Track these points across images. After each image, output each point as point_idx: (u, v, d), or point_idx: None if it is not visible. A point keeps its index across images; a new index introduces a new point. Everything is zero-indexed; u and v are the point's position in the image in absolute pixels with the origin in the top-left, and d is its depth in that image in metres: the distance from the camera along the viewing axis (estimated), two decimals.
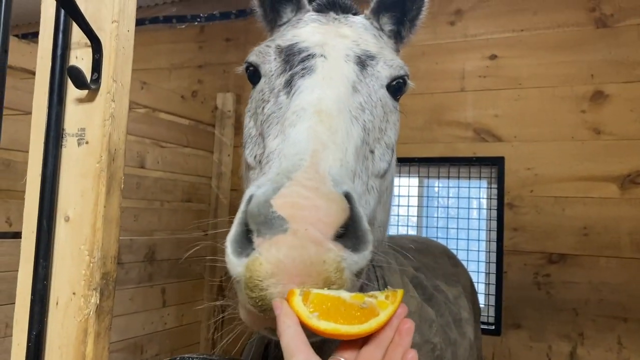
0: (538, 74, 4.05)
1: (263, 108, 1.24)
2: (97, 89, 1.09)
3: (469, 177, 4.23)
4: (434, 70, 4.31)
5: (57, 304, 1.05)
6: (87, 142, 1.08)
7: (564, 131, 3.94)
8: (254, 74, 1.36)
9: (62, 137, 1.09)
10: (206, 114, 4.82)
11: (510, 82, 4.13)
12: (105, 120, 1.07)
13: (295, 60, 1.26)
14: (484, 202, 4.20)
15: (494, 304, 4.04)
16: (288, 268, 0.82)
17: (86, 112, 1.10)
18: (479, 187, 4.24)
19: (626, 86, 3.80)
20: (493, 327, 4.00)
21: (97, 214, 1.05)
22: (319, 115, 1.05)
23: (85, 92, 1.10)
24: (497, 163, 4.10)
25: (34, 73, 3.23)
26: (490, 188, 4.18)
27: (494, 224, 4.09)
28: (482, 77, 4.22)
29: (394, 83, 1.38)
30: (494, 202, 4.11)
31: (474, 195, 4.24)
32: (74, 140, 1.08)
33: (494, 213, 4.09)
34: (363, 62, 1.32)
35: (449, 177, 4.28)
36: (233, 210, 4.35)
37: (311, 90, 1.13)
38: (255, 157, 1.22)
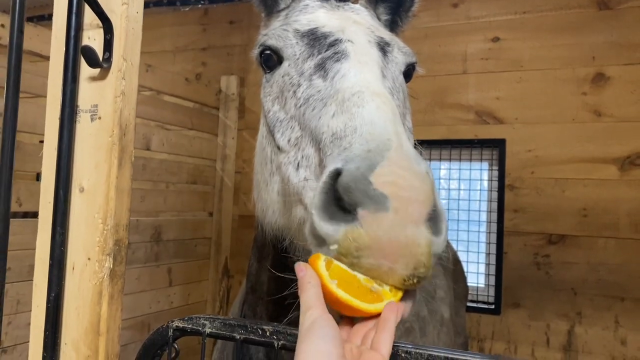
0: (540, 56, 4.08)
1: (295, 92, 1.26)
2: (109, 68, 1.16)
3: (471, 159, 4.28)
4: (436, 53, 4.34)
5: (73, 268, 1.13)
6: (99, 118, 1.14)
7: (565, 113, 3.98)
8: (270, 58, 1.38)
9: (76, 113, 1.16)
10: (210, 97, 4.87)
11: (512, 65, 4.16)
12: (117, 97, 1.14)
13: (322, 45, 1.28)
14: (485, 183, 4.26)
15: (494, 284, 4.12)
16: (385, 245, 0.86)
17: (98, 90, 1.16)
18: (480, 169, 4.29)
19: (627, 68, 3.83)
20: (493, 307, 4.08)
21: (109, 185, 1.12)
22: (379, 97, 1.08)
23: (98, 70, 1.17)
24: (498, 145, 4.15)
25: (41, 56, 3.29)
26: (492, 170, 4.23)
27: (495, 206, 4.15)
28: (484, 60, 4.25)
29: (407, 69, 1.44)
30: (495, 184, 4.17)
31: (475, 177, 4.29)
32: (87, 116, 1.15)
33: (495, 194, 4.15)
34: (383, 48, 1.36)
35: (450, 159, 4.34)
36: (238, 193, 4.41)
37: (354, 73, 1.17)
38: (289, 140, 1.24)
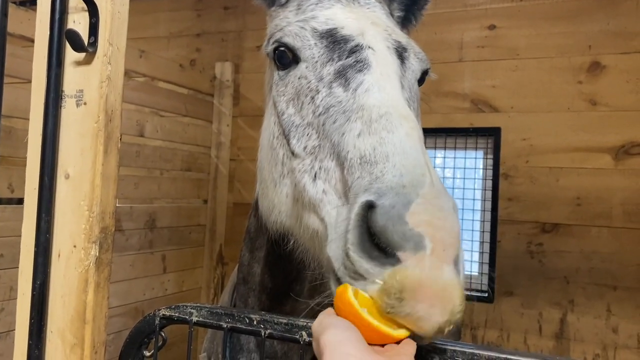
0: (536, 45, 4.06)
1: (313, 98, 1.25)
2: (94, 52, 1.14)
3: (465, 148, 4.28)
4: (432, 41, 4.31)
5: (59, 256, 1.12)
6: (85, 103, 1.13)
7: (560, 102, 3.96)
8: (284, 56, 1.36)
9: (62, 98, 1.14)
10: (205, 84, 4.84)
11: (508, 53, 4.14)
12: (102, 82, 1.12)
13: (343, 50, 1.26)
14: (480, 172, 4.26)
15: (487, 272, 4.13)
16: (427, 288, 0.86)
17: (84, 75, 1.14)
18: (475, 158, 4.28)
19: (623, 57, 3.82)
20: (486, 295, 4.09)
21: (95, 172, 1.11)
22: (407, 122, 1.08)
23: (83, 55, 1.15)
24: (493, 134, 4.14)
25: (32, 40, 3.24)
26: (486, 158, 4.22)
27: (489, 194, 4.15)
28: (480, 48, 4.23)
29: (421, 76, 1.44)
30: (490, 173, 4.16)
31: (469, 166, 4.29)
32: (72, 101, 1.13)
33: (489, 183, 4.15)
34: (401, 54, 1.35)
35: (445, 148, 4.32)
36: (232, 180, 4.39)
37: (378, 88, 1.16)
38: (305, 147, 1.23)
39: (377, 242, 0.91)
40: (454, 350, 0.88)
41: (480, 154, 4.27)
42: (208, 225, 4.84)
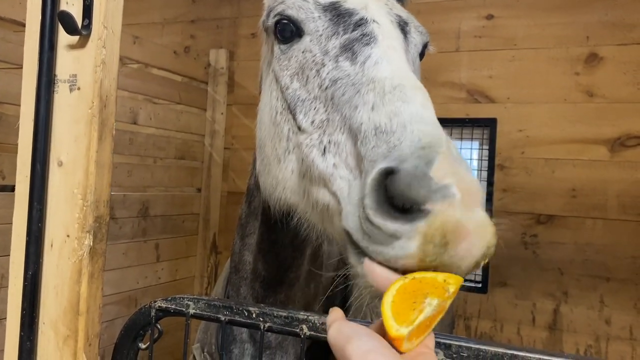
0: (534, 35, 4.03)
1: (319, 71, 1.23)
2: (88, 35, 1.10)
3: (461, 138, 4.25)
4: (429, 30, 4.21)
5: (51, 245, 1.08)
6: (78, 88, 1.09)
7: (557, 93, 3.95)
8: (286, 29, 1.33)
9: (54, 82, 1.10)
10: (199, 71, 4.78)
11: (506, 43, 4.11)
12: (97, 67, 1.08)
13: (348, 24, 1.24)
14: (475, 163, 4.24)
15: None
16: (466, 227, 0.84)
17: (77, 59, 1.11)
18: (471, 149, 4.26)
19: (621, 49, 3.80)
20: (480, 285, 4.10)
21: (89, 159, 1.07)
22: (421, 93, 1.06)
23: (77, 38, 1.11)
24: (489, 124, 4.12)
25: (24, 25, 3.19)
26: (482, 149, 4.21)
27: (484, 185, 4.14)
28: (477, 37, 4.19)
29: (422, 49, 1.43)
30: (485, 163, 4.15)
31: (465, 156, 4.27)
32: (65, 86, 1.09)
33: (485, 174, 4.14)
34: (403, 28, 1.33)
35: None
36: (226, 169, 4.36)
37: (388, 61, 1.14)
38: (313, 122, 1.20)
39: (396, 204, 0.88)
40: (459, 346, 0.86)
41: (475, 144, 4.25)
42: (202, 214, 4.81)
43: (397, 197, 0.87)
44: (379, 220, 0.88)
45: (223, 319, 1.04)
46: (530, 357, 0.80)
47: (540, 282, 3.96)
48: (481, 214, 0.86)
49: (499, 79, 4.12)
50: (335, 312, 0.93)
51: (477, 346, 0.85)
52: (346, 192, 1.07)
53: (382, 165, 0.93)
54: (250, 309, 1.03)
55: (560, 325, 3.91)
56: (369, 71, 1.13)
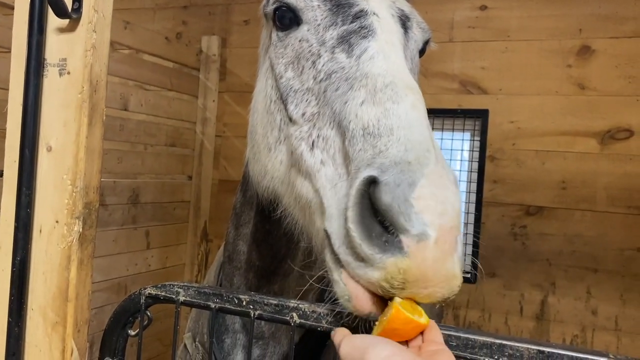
0: (527, 27, 4.03)
1: (314, 62, 1.22)
2: (78, 19, 1.08)
3: (453, 129, 4.26)
4: (422, 19, 4.25)
5: (40, 231, 1.07)
6: (68, 73, 1.07)
7: (548, 85, 3.96)
8: (285, 16, 1.32)
9: (43, 66, 1.08)
10: (191, 57, 4.74)
11: (499, 34, 4.11)
12: (87, 51, 1.07)
13: (347, 15, 1.22)
14: (466, 154, 4.25)
15: (470, 253, 4.15)
16: (429, 278, 0.88)
17: (67, 42, 1.09)
18: (462, 140, 4.27)
19: (613, 42, 3.81)
20: (469, 275, 4.13)
21: (79, 145, 1.06)
22: (413, 93, 1.05)
23: (66, 21, 1.09)
24: (481, 115, 4.13)
25: (13, 8, 3.15)
26: (473, 140, 4.22)
27: (475, 176, 4.15)
28: (471, 28, 4.19)
29: (423, 46, 1.42)
30: (476, 155, 4.16)
31: (456, 147, 4.28)
32: (55, 70, 1.08)
33: (476, 165, 4.15)
34: (404, 23, 1.32)
35: (432, 129, 4.29)
36: (218, 157, 4.34)
37: (383, 57, 1.12)
38: (304, 114, 1.20)
39: (380, 219, 0.91)
40: (449, 335, 0.87)
41: (467, 135, 4.26)
42: (192, 201, 4.79)
43: (378, 212, 0.90)
44: (357, 239, 0.91)
45: (213, 306, 1.04)
46: (518, 346, 0.81)
47: (528, 272, 3.99)
48: (450, 267, 0.89)
49: (492, 70, 4.12)
50: (341, 331, 0.94)
51: (466, 335, 0.86)
52: (329, 192, 1.06)
53: (365, 173, 0.94)
54: (241, 296, 1.03)
55: (547, 315, 3.95)
56: (364, 65, 1.12)
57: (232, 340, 1.74)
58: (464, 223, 4.22)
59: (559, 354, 0.77)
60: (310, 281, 1.04)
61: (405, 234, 0.87)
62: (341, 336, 0.91)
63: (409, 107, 1.01)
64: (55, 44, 1.10)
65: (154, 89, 4.33)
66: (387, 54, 1.14)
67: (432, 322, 0.93)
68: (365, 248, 0.90)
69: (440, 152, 0.98)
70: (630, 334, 3.74)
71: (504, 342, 0.82)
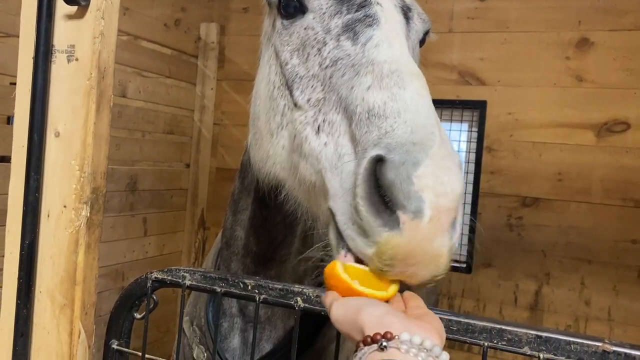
0: (526, 18, 4.03)
1: (320, 50, 1.24)
2: (87, 6, 1.09)
3: (451, 120, 4.28)
4: (422, 10, 4.25)
5: (48, 216, 1.09)
6: (76, 59, 1.08)
7: (547, 77, 3.97)
8: (290, 5, 1.34)
9: (52, 53, 1.09)
10: (189, 45, 4.73)
11: (498, 25, 4.11)
12: (95, 38, 1.08)
13: (352, 3, 1.25)
14: (464, 145, 4.27)
15: (466, 244, 4.19)
16: (417, 255, 0.92)
17: (76, 29, 1.10)
18: (460, 130, 4.29)
19: (612, 34, 3.82)
20: (464, 265, 4.16)
21: (87, 130, 1.07)
22: (418, 79, 1.08)
23: (75, 8, 1.10)
24: (479, 107, 4.14)
25: None
26: (471, 131, 4.23)
27: (472, 167, 4.18)
28: (470, 19, 4.19)
29: (423, 37, 1.46)
30: (473, 145, 4.18)
31: (454, 138, 4.30)
32: (63, 56, 1.09)
33: (473, 156, 4.17)
34: (406, 13, 1.34)
35: None
36: (215, 145, 4.33)
37: (388, 45, 1.15)
38: (309, 100, 1.23)
39: (384, 196, 0.94)
40: (449, 320, 0.89)
41: (465, 126, 4.28)
42: (190, 189, 4.80)
43: (382, 189, 0.94)
44: (365, 212, 0.95)
45: (219, 290, 1.06)
46: (516, 331, 0.83)
47: (523, 263, 4.03)
48: (439, 245, 0.92)
49: (490, 61, 4.13)
50: (331, 294, 0.98)
51: (467, 320, 0.88)
52: (332, 172, 1.10)
53: (372, 153, 0.97)
54: (246, 281, 1.05)
55: (541, 305, 4.00)
56: (369, 52, 1.15)
57: (229, 324, 1.77)
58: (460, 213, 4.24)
59: (556, 338, 0.80)
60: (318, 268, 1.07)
61: (402, 210, 0.91)
62: (332, 299, 0.95)
63: (414, 92, 1.04)
64: (64, 31, 1.11)
65: (152, 76, 4.32)
66: (391, 42, 1.17)
67: (411, 293, 0.97)
68: (371, 220, 0.93)
69: (445, 135, 1.01)
70: (622, 324, 3.79)
71: (503, 327, 0.84)
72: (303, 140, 1.20)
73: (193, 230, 4.80)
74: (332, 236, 1.07)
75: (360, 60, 1.14)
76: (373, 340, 0.81)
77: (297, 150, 1.24)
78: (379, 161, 0.96)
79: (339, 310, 0.91)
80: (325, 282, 0.98)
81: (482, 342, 0.85)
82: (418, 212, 0.89)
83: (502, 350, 0.84)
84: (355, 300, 0.92)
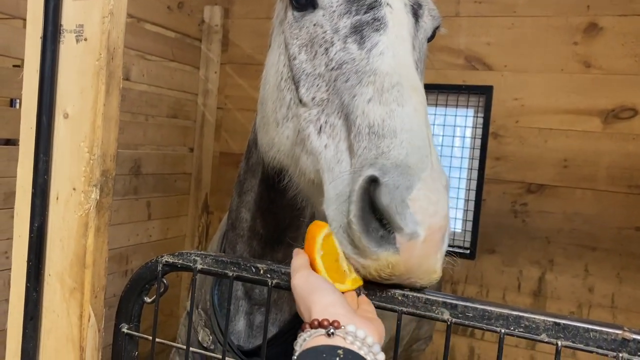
0: (534, 2, 3.98)
1: (327, 50, 1.26)
2: None
3: (457, 106, 4.25)
4: (434, 5, 4.20)
5: (57, 198, 1.08)
6: (85, 39, 1.06)
7: (554, 63, 3.93)
8: None
9: (60, 33, 1.07)
10: (193, 28, 4.69)
11: (506, 9, 4.06)
12: (104, 17, 1.05)
13: (361, 4, 1.26)
14: (469, 130, 4.25)
15: (470, 230, 4.19)
16: (413, 272, 1.00)
17: (84, 8, 1.07)
18: (466, 116, 4.26)
19: (621, 19, 3.77)
20: (468, 252, 4.16)
21: (96, 112, 1.06)
22: (417, 95, 1.12)
23: None
24: (485, 92, 4.11)
25: None
26: (477, 117, 4.20)
27: (477, 153, 4.15)
28: (477, 3, 4.14)
29: (432, 33, 1.46)
30: (479, 131, 4.15)
31: (459, 124, 4.27)
32: (72, 36, 1.07)
33: (478, 142, 4.15)
34: (416, 12, 1.35)
35: (436, 105, 4.29)
36: (219, 129, 4.30)
37: (393, 54, 1.18)
38: (314, 98, 1.25)
39: (378, 216, 1.01)
40: (465, 306, 0.88)
41: (470, 112, 4.25)
42: (194, 173, 4.79)
43: (376, 210, 1.01)
44: (357, 231, 1.01)
45: (230, 274, 1.05)
46: (534, 318, 0.82)
47: (527, 250, 4.03)
48: (433, 262, 1.01)
49: (497, 46, 4.08)
50: (301, 256, 1.04)
51: (483, 307, 0.87)
52: (329, 176, 1.14)
53: (368, 172, 1.03)
54: (258, 265, 1.04)
55: (544, 292, 4.00)
56: (374, 60, 1.17)
57: (234, 306, 1.77)
58: (465, 200, 4.24)
59: (574, 326, 0.79)
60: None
61: (399, 232, 0.97)
62: (300, 264, 1.01)
63: (412, 110, 1.09)
64: (72, 10, 1.08)
65: (156, 59, 4.29)
66: (396, 51, 1.19)
67: (366, 299, 1.04)
68: (364, 241, 1.00)
69: (436, 155, 1.08)
70: (625, 311, 3.80)
71: (521, 313, 0.83)
72: (306, 138, 1.24)
73: (197, 215, 4.80)
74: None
75: (364, 68, 1.17)
76: (320, 325, 0.86)
77: (300, 144, 1.27)
78: (373, 181, 1.02)
79: (300, 281, 0.97)
80: (306, 235, 1.06)
81: (498, 329, 0.84)
82: (414, 234, 0.96)
83: (519, 337, 0.83)
84: (315, 278, 0.98)
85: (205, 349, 1.77)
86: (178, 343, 2.12)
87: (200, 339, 1.81)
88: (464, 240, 4.22)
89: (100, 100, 1.05)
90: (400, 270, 0.98)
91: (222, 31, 4.77)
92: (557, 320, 0.80)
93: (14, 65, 3.65)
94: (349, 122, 1.13)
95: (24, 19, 3.31)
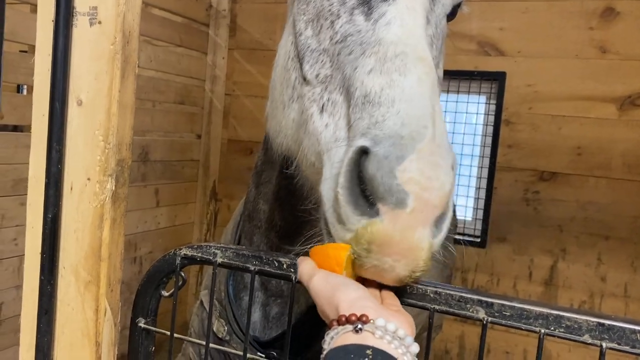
0: None
1: (333, 22, 1.18)
2: None
3: (469, 92, 4.18)
4: None
5: (71, 189, 1.04)
6: (99, 22, 1.01)
7: (569, 48, 3.85)
8: None
9: (73, 15, 1.02)
10: (200, 12, 4.62)
11: None
12: None
13: None
14: (481, 117, 4.18)
15: (481, 218, 4.14)
16: (394, 244, 0.89)
17: None
18: (478, 103, 4.19)
19: (638, 4, 3.68)
20: (479, 240, 4.12)
21: (111, 99, 1.01)
22: (422, 65, 1.02)
23: None
24: (498, 78, 4.04)
25: None
26: (489, 104, 4.14)
27: (489, 140, 4.09)
28: None
29: (453, 10, 1.36)
30: (491, 118, 4.09)
31: (472, 111, 4.21)
32: (85, 19, 1.02)
33: (490, 129, 4.09)
34: None
35: (448, 91, 4.22)
36: (227, 116, 4.25)
37: (400, 23, 1.08)
38: (317, 75, 1.18)
39: (365, 189, 0.93)
40: (502, 305, 0.84)
41: (483, 98, 4.18)
42: (201, 160, 4.76)
43: (363, 181, 0.93)
44: (343, 202, 0.94)
45: (252, 269, 1.02)
46: (576, 318, 0.78)
47: (539, 238, 3.98)
48: (419, 237, 0.89)
49: (510, 31, 4.00)
50: (308, 261, 0.99)
51: (521, 305, 0.83)
52: (326, 156, 1.07)
53: (358, 143, 0.95)
54: (281, 259, 1.00)
55: (556, 281, 3.96)
56: (379, 31, 1.09)
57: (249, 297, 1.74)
58: (476, 188, 4.19)
59: (620, 327, 0.75)
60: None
61: (382, 202, 0.89)
62: (310, 269, 0.96)
63: (415, 80, 0.99)
64: None
65: (163, 44, 4.23)
66: (404, 21, 1.10)
67: (390, 292, 0.97)
68: (348, 210, 0.93)
69: (442, 129, 0.98)
70: (639, 300, 3.75)
71: (562, 313, 0.79)
72: (308, 118, 1.17)
73: (205, 202, 4.77)
74: (321, 222, 1.06)
75: (369, 39, 1.09)
76: (348, 320, 0.82)
77: (303, 126, 1.21)
78: (364, 153, 0.94)
79: (320, 283, 0.92)
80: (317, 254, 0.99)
81: (538, 329, 0.80)
82: (399, 203, 0.88)
83: (560, 338, 0.79)
84: (335, 277, 0.93)
85: (220, 339, 1.74)
86: (190, 332, 2.10)
87: (215, 329, 1.78)
88: (474, 229, 4.18)
89: (115, 87, 1.01)
90: (380, 238, 0.89)
91: (229, 16, 4.70)
92: (601, 321, 0.76)
93: (20, 51, 3.61)
94: (349, 95, 1.06)
95: (31, 4, 3.26)
